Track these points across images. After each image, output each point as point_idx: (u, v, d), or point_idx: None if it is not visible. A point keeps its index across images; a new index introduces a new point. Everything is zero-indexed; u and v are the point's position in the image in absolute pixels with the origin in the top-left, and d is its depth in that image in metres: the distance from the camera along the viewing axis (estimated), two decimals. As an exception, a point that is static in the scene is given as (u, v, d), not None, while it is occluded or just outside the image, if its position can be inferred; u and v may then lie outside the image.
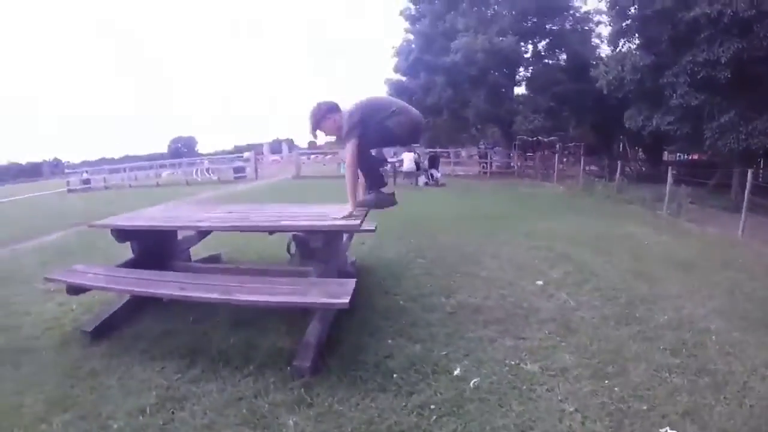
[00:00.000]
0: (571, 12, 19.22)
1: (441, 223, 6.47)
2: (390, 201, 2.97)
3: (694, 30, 10.38)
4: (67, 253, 4.80)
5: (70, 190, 17.75)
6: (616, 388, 2.12)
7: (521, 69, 20.30)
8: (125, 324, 2.79)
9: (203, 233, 3.93)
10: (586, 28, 19.04)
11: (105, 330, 2.69)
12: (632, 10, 12.66)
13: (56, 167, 42.75)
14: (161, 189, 15.28)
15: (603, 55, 16.62)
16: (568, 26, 19.09)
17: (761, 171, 11.56)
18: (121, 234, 3.07)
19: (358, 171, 2.88)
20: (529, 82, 20.47)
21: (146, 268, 2.84)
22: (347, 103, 2.86)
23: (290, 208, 3.56)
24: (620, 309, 3.14)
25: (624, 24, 13.45)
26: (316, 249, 2.89)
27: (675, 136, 12.63)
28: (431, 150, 17.44)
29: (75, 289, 2.74)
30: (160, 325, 2.78)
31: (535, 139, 19.69)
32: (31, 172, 44.50)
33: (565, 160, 18.92)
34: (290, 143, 43.45)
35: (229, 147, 57.40)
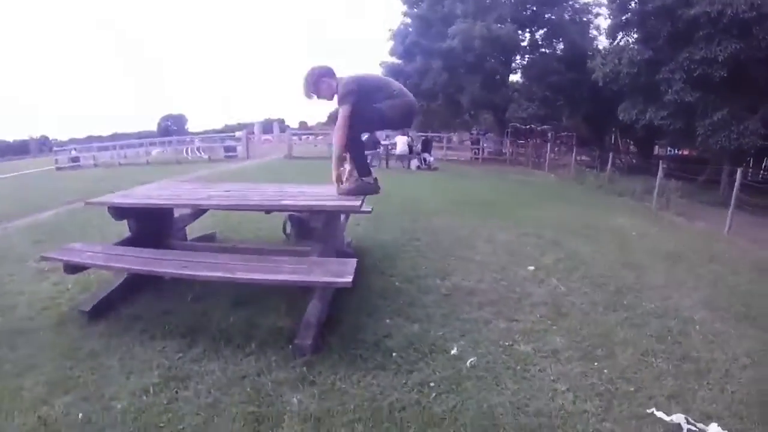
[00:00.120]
0: (571, 2, 19.12)
1: (435, 207, 6.51)
2: (373, 189, 2.92)
3: (693, 28, 10.46)
4: (61, 232, 4.67)
5: (58, 168, 17.21)
6: (605, 370, 2.22)
7: (518, 57, 20.27)
8: (123, 304, 2.72)
9: (198, 212, 3.90)
10: (585, 19, 19.01)
11: (103, 310, 2.62)
12: (633, 5, 12.68)
13: (44, 144, 41.32)
14: (152, 167, 14.99)
15: (600, 47, 16.68)
16: (566, 16, 18.99)
17: (750, 169, 11.79)
18: (119, 212, 3.01)
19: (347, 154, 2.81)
20: (525, 71, 20.47)
21: (144, 247, 2.81)
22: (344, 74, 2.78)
23: (288, 188, 3.56)
24: (609, 296, 3.25)
25: (623, 17, 13.49)
26: (315, 229, 2.91)
27: (667, 131, 12.80)
28: (424, 134, 17.36)
29: (72, 268, 2.66)
30: (159, 305, 2.74)
31: (528, 127, 19.70)
32: (18, 149, 42.93)
33: (557, 149, 19.00)
34: (281, 123, 42.83)
35: (220, 126, 56.28)
